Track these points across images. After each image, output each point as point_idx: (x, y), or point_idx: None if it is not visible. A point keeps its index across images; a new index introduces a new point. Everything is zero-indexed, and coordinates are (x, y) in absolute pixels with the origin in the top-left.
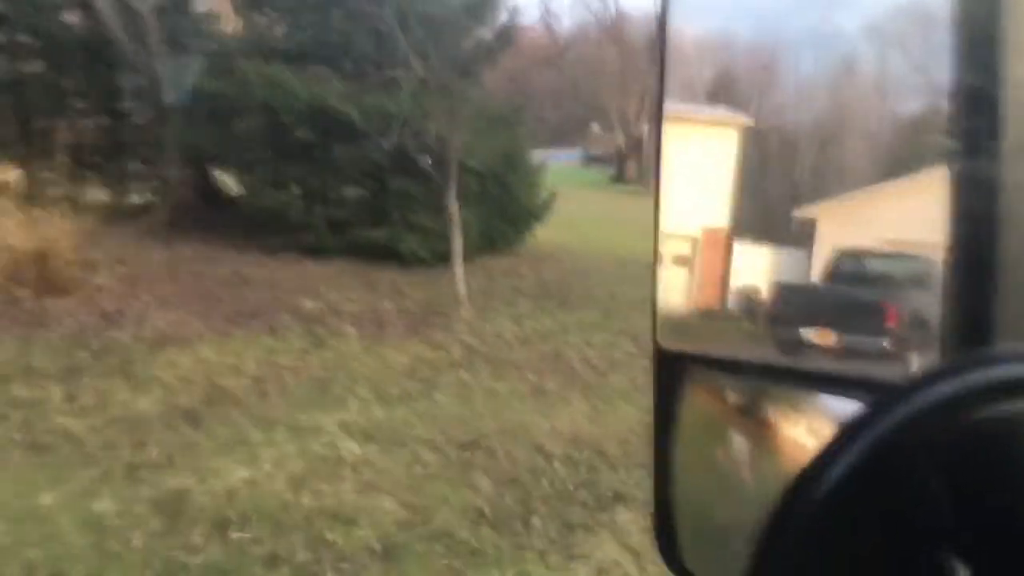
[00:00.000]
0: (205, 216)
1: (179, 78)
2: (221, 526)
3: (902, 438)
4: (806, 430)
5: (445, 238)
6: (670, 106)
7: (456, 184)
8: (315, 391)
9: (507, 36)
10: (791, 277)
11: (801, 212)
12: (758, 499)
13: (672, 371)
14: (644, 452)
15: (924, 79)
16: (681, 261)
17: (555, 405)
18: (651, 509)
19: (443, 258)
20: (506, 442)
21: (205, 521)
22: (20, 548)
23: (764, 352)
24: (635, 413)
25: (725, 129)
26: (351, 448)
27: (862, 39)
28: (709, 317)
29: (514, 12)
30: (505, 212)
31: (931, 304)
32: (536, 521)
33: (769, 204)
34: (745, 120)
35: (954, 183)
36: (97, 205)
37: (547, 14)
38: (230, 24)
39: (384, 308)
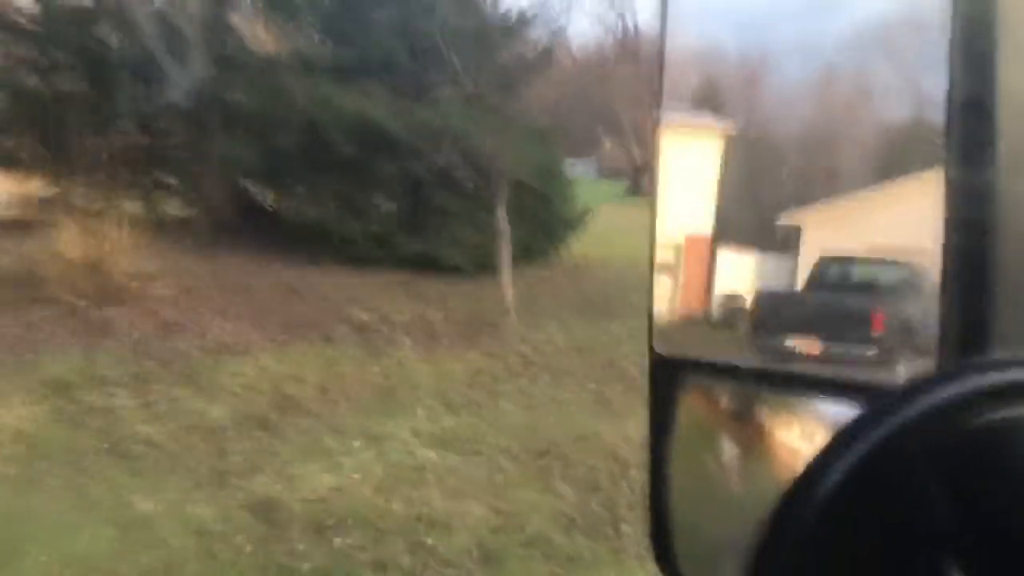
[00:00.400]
0: (244, 228)
1: (218, 92)
2: (321, 532)
3: (900, 443)
4: (803, 435)
5: (485, 250)
6: (660, 114)
7: (503, 197)
8: (380, 400)
9: (547, 52)
10: (776, 284)
11: (786, 219)
12: (755, 504)
13: (668, 377)
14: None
15: (908, 86)
16: (665, 268)
17: (620, 413)
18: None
19: (483, 269)
20: (580, 450)
21: (304, 527)
22: (133, 553)
23: (752, 358)
24: None
25: (709, 136)
26: (429, 456)
27: (847, 46)
28: (694, 324)
29: (557, 31)
30: (542, 224)
31: (917, 311)
32: (626, 528)
33: (753, 211)
34: (729, 127)
35: (950, 191)
36: (136, 218)
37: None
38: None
39: (433, 318)
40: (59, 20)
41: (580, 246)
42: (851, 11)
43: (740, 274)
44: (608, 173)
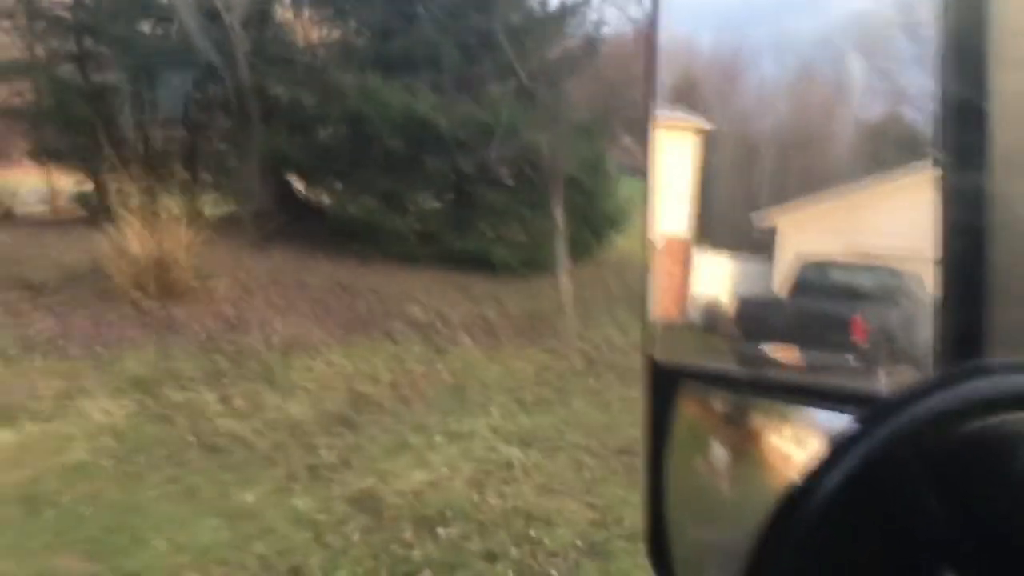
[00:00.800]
0: (290, 225)
1: (261, 86)
2: (424, 524)
3: (896, 450)
4: (799, 443)
5: (533, 247)
6: (652, 111)
7: (559, 194)
8: (453, 397)
9: (593, 45)
10: (752, 287)
11: (761, 219)
12: (751, 511)
13: (665, 383)
14: None
15: (886, 84)
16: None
17: None
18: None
19: (531, 267)
20: None
21: (406, 519)
22: (246, 542)
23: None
24: None
25: (683, 133)
26: (513, 453)
27: (824, 44)
28: (671, 330)
29: (599, 23)
30: (589, 221)
31: (899, 317)
32: None
33: (729, 211)
34: (703, 124)
35: (944, 195)
36: (188, 215)
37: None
38: (305, 33)
39: (489, 316)
40: (100, 12)
41: (623, 242)
42: (831, 8)
43: (717, 277)
44: (628, 169)
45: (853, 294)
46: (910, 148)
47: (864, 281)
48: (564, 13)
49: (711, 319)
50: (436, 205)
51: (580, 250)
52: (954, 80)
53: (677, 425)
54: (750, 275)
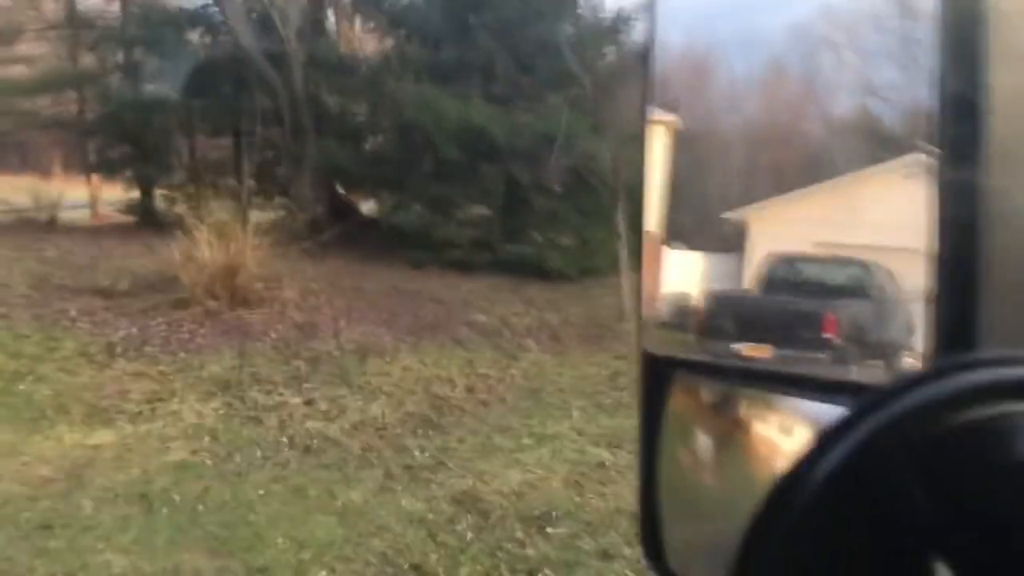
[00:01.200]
0: (344, 232)
1: (314, 95)
2: (531, 523)
3: (885, 440)
4: (790, 433)
5: (587, 255)
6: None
7: (621, 202)
8: (530, 401)
9: (645, 53)
10: (723, 283)
11: (732, 215)
12: (742, 501)
13: (657, 375)
14: None
15: (856, 80)
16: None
17: None
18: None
19: (586, 274)
20: None
21: (513, 518)
22: (363, 538)
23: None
24: None
25: (655, 131)
26: (602, 454)
27: (792, 41)
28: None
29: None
30: (637, 228)
31: (870, 312)
32: None
33: (699, 207)
34: (674, 121)
35: (938, 189)
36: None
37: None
38: (359, 42)
39: (551, 322)
40: (149, 23)
41: None
42: (801, 6)
43: (688, 272)
44: None
45: (823, 289)
46: (882, 144)
47: (834, 276)
48: (618, 22)
49: (683, 315)
50: (489, 213)
51: (635, 257)
52: (950, 74)
53: (670, 416)
54: (719, 270)
